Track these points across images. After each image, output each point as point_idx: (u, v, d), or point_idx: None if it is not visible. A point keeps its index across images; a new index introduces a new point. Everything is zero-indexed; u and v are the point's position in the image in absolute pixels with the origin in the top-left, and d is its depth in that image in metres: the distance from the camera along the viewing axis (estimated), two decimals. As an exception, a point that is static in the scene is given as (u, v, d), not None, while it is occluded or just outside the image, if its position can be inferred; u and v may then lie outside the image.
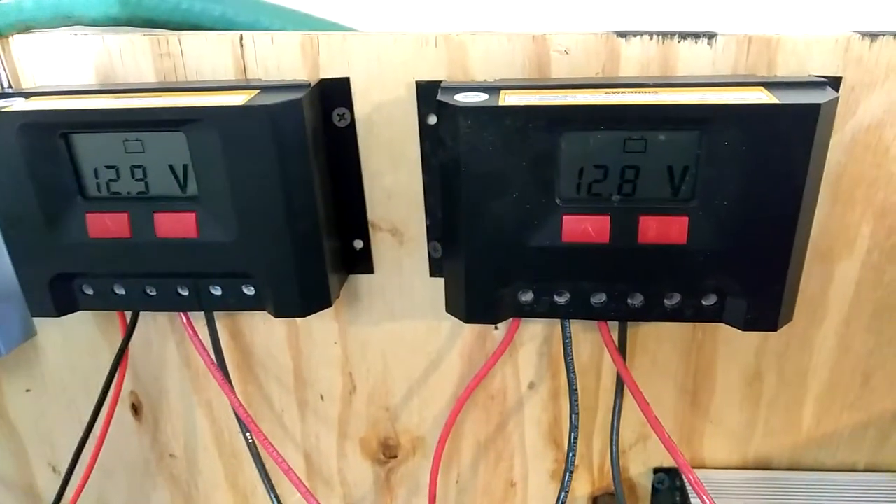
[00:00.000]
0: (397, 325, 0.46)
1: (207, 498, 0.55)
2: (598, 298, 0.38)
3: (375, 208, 0.43)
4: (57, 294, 0.41)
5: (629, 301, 0.38)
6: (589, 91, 0.35)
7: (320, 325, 0.46)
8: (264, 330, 0.47)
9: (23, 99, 0.38)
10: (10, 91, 0.40)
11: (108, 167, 0.38)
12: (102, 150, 0.38)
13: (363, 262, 0.44)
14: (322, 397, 0.49)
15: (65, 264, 0.40)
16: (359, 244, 0.43)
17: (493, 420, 0.49)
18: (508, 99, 0.34)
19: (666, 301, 0.37)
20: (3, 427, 0.54)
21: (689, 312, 0.38)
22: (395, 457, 0.51)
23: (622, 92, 0.35)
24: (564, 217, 0.36)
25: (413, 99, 0.39)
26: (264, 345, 0.48)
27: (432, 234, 0.43)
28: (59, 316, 0.41)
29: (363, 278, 0.45)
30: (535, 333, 0.45)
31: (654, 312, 0.38)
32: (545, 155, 0.35)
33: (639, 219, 0.35)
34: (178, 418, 0.51)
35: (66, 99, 0.38)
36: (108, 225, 0.38)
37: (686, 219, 0.35)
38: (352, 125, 0.40)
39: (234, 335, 0.48)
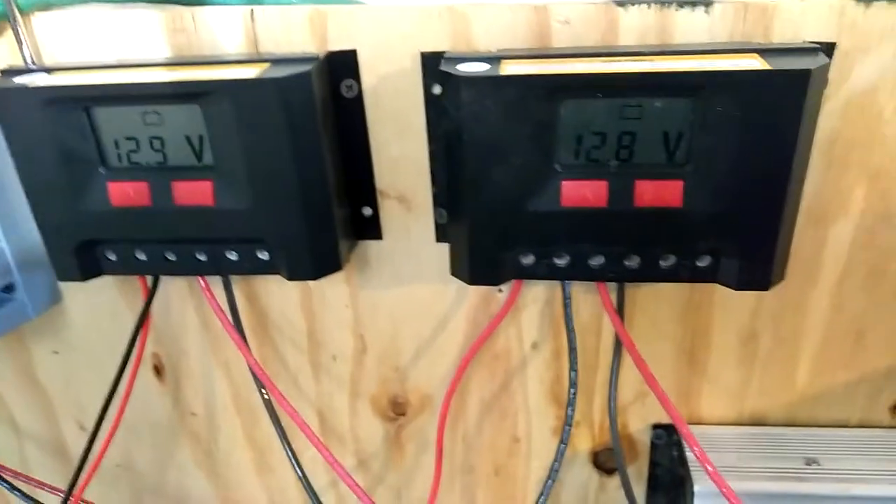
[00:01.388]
0: (405, 288, 0.48)
1: (227, 454, 0.57)
2: (597, 260, 0.39)
3: (383, 176, 0.44)
4: (82, 260, 0.43)
5: (626, 263, 0.39)
6: (588, 60, 0.36)
7: (332, 288, 0.48)
8: (279, 294, 0.49)
9: (45, 74, 0.40)
10: (33, 67, 0.42)
11: (128, 139, 0.40)
12: (122, 122, 0.39)
13: (372, 229, 0.46)
14: (334, 358, 0.52)
15: (89, 231, 0.42)
16: (368, 211, 0.45)
17: (497, 379, 0.51)
18: (509, 68, 0.36)
19: (662, 262, 0.39)
20: (33, 387, 0.56)
21: (685, 273, 0.39)
22: (404, 414, 0.53)
23: (620, 60, 0.36)
24: (563, 182, 0.37)
25: (418, 70, 0.40)
26: (279, 308, 0.50)
27: (438, 201, 0.44)
28: (83, 280, 0.43)
29: (372, 244, 0.47)
30: (537, 296, 0.47)
31: (650, 273, 0.39)
32: (545, 122, 0.36)
33: (635, 183, 0.37)
34: (198, 378, 0.54)
35: (88, 73, 0.39)
36: (129, 193, 0.40)
37: (681, 182, 0.36)
38: (359, 96, 0.42)
39: (249, 299, 0.50)
